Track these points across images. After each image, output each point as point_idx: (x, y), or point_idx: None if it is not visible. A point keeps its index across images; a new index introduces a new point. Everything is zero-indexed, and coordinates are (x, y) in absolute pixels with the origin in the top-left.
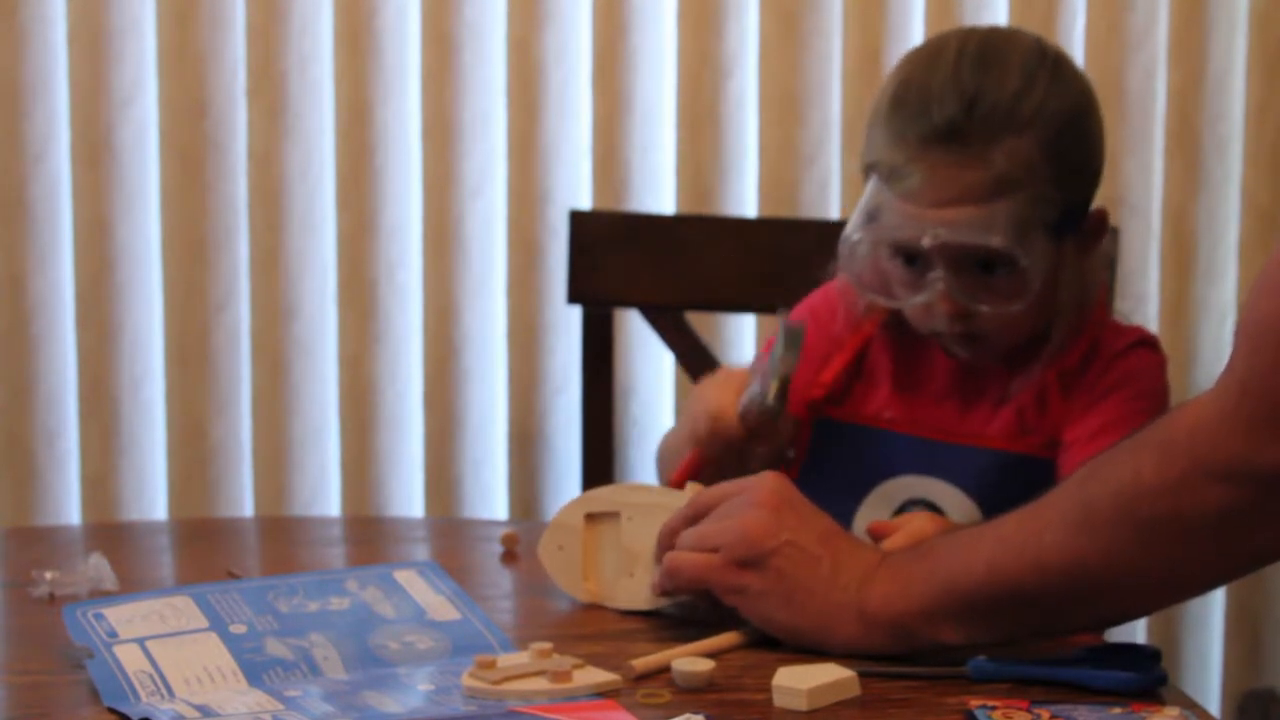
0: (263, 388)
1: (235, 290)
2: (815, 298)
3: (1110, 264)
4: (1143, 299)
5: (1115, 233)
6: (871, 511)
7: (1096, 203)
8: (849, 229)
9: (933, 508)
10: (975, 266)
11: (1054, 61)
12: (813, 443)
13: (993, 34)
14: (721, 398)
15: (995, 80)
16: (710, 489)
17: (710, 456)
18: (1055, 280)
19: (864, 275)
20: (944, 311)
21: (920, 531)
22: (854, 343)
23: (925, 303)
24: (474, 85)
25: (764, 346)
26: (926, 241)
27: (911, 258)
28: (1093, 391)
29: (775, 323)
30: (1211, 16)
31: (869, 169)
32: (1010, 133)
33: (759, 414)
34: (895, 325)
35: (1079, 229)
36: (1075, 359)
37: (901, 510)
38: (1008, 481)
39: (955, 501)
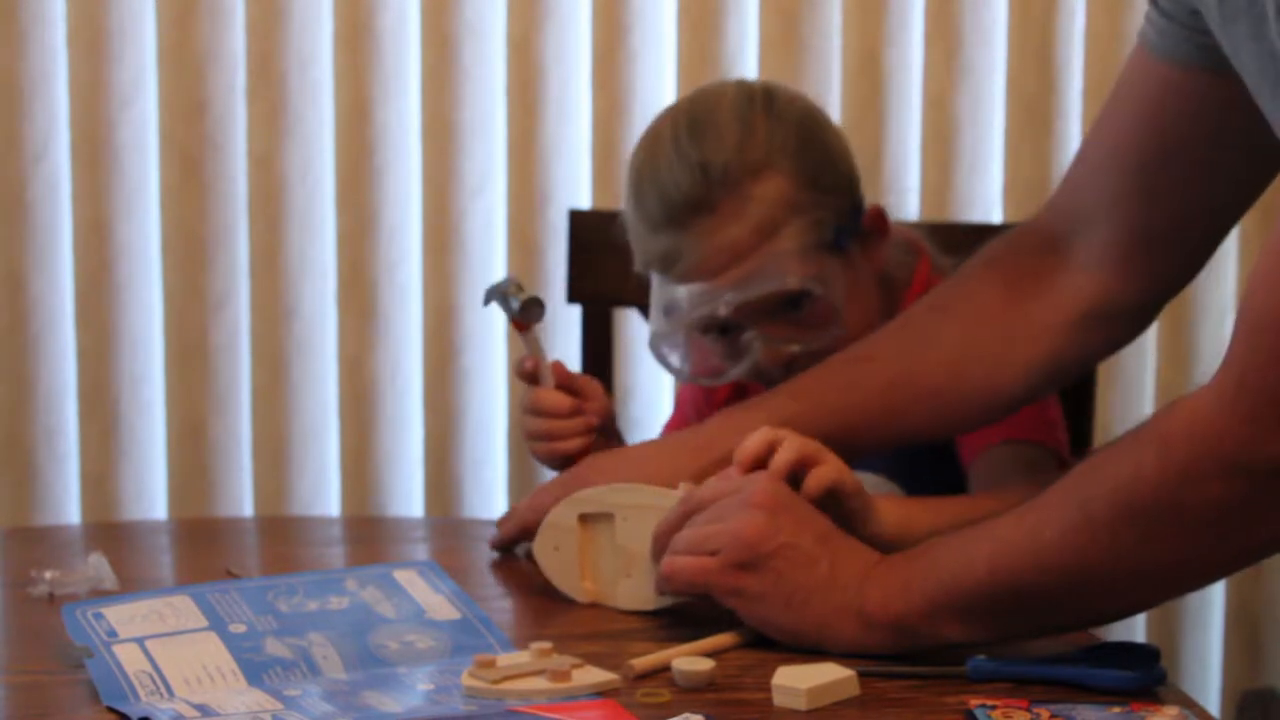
0: (262, 387)
1: (235, 290)
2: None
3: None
4: None
5: (882, 213)
6: None
7: None
8: (652, 332)
9: None
10: (780, 311)
11: (763, 97)
12: None
13: (698, 97)
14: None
15: (715, 140)
16: (703, 488)
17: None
18: (854, 288)
19: (687, 365)
20: (772, 365)
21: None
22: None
23: (752, 365)
24: (474, 85)
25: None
26: (723, 310)
27: (722, 329)
28: None
29: None
30: None
31: (644, 270)
32: (751, 181)
33: (512, 317)
34: (739, 386)
35: (857, 235)
36: None
37: None
38: (917, 457)
39: (874, 486)
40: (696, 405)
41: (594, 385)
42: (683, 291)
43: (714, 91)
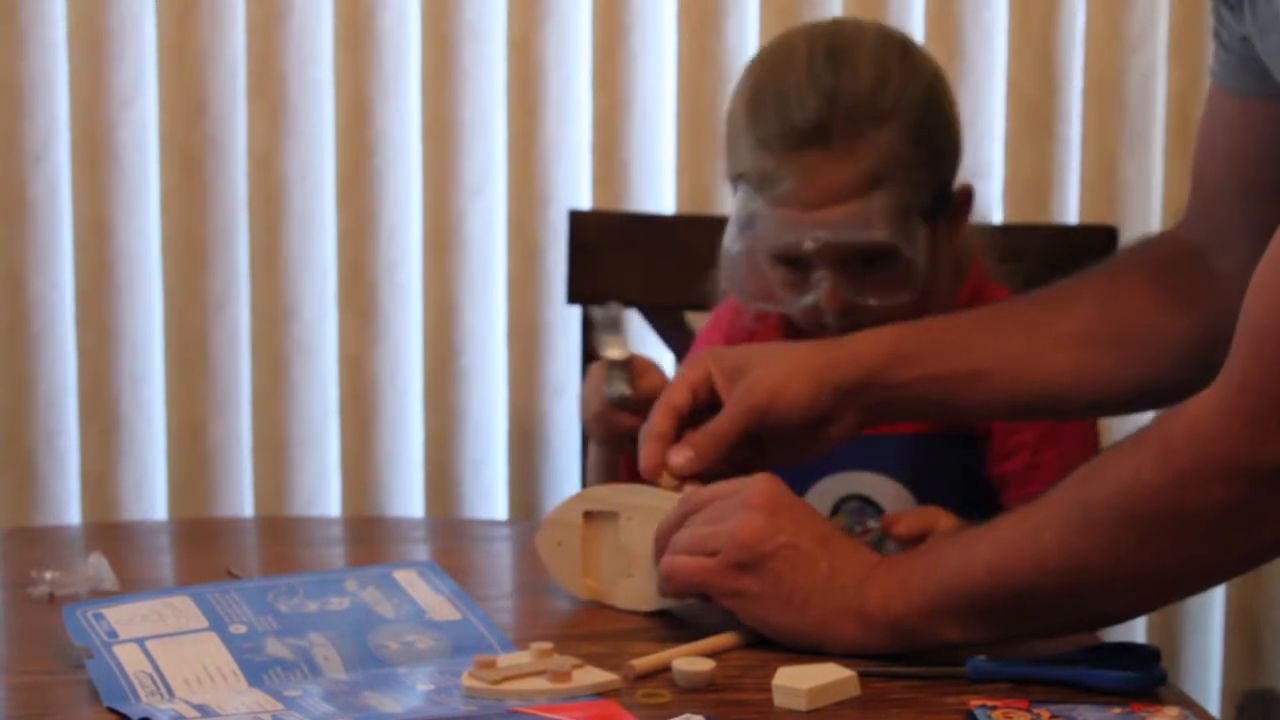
0: (263, 388)
1: (235, 290)
2: (722, 310)
3: (981, 231)
4: None
5: (970, 194)
6: None
7: (1105, 200)
8: (726, 241)
9: (867, 501)
10: (858, 262)
11: (902, 48)
12: None
13: (838, 27)
14: (593, 400)
15: (850, 74)
16: (702, 489)
17: (627, 450)
18: (934, 261)
19: (747, 285)
20: (831, 309)
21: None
22: None
23: (813, 304)
24: (474, 85)
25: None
26: (808, 245)
27: (793, 261)
28: None
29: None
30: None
31: (737, 179)
32: (873, 126)
33: (618, 404)
34: (790, 330)
35: (948, 208)
36: None
37: (838, 508)
38: (932, 462)
39: (887, 490)
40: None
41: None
42: (770, 212)
43: (854, 26)
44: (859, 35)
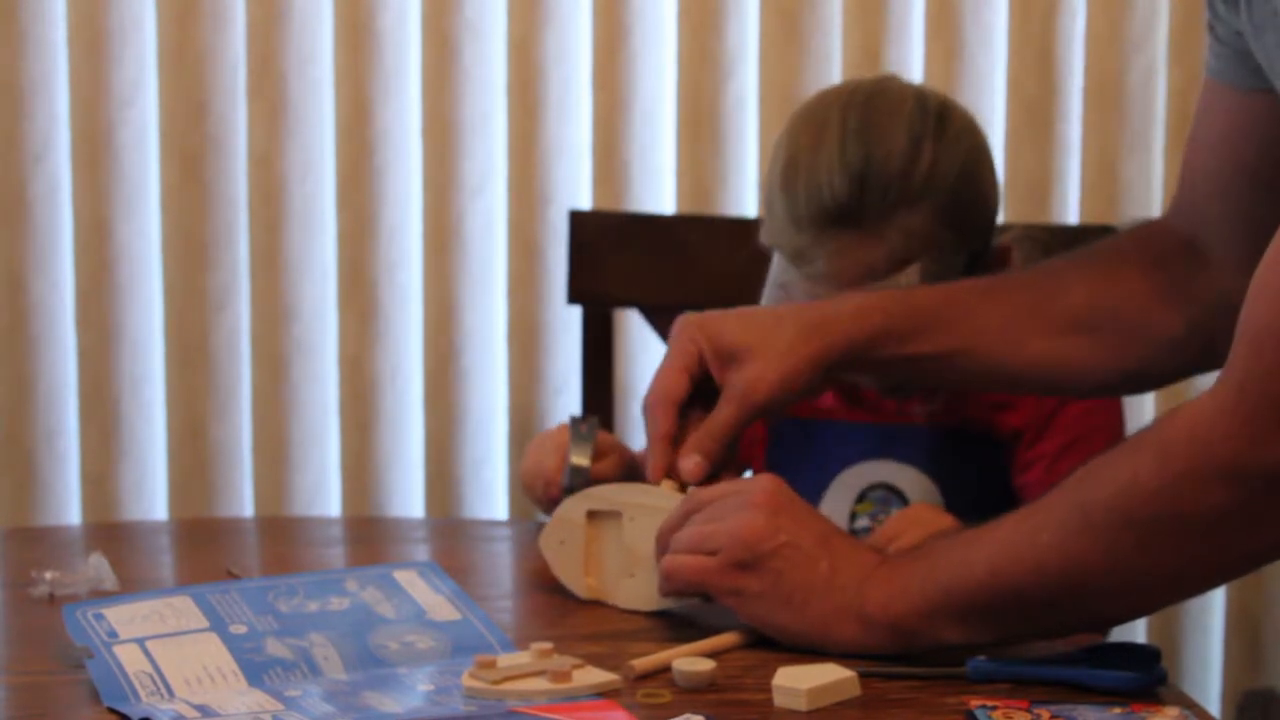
0: (263, 388)
1: (235, 290)
2: None
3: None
4: None
5: (1009, 253)
6: (835, 502)
7: (1105, 200)
8: (765, 300)
9: (893, 490)
10: None
11: (938, 116)
12: (769, 444)
13: (877, 91)
14: (546, 462)
15: (883, 155)
16: (705, 489)
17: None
18: None
19: None
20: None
21: (918, 518)
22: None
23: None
24: (474, 85)
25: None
26: None
27: None
28: None
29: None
30: None
31: (769, 245)
32: (904, 206)
33: (565, 493)
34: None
35: (986, 268)
36: None
37: (864, 496)
38: (956, 454)
39: (913, 481)
40: None
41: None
42: (803, 285)
43: (893, 94)
44: (895, 105)
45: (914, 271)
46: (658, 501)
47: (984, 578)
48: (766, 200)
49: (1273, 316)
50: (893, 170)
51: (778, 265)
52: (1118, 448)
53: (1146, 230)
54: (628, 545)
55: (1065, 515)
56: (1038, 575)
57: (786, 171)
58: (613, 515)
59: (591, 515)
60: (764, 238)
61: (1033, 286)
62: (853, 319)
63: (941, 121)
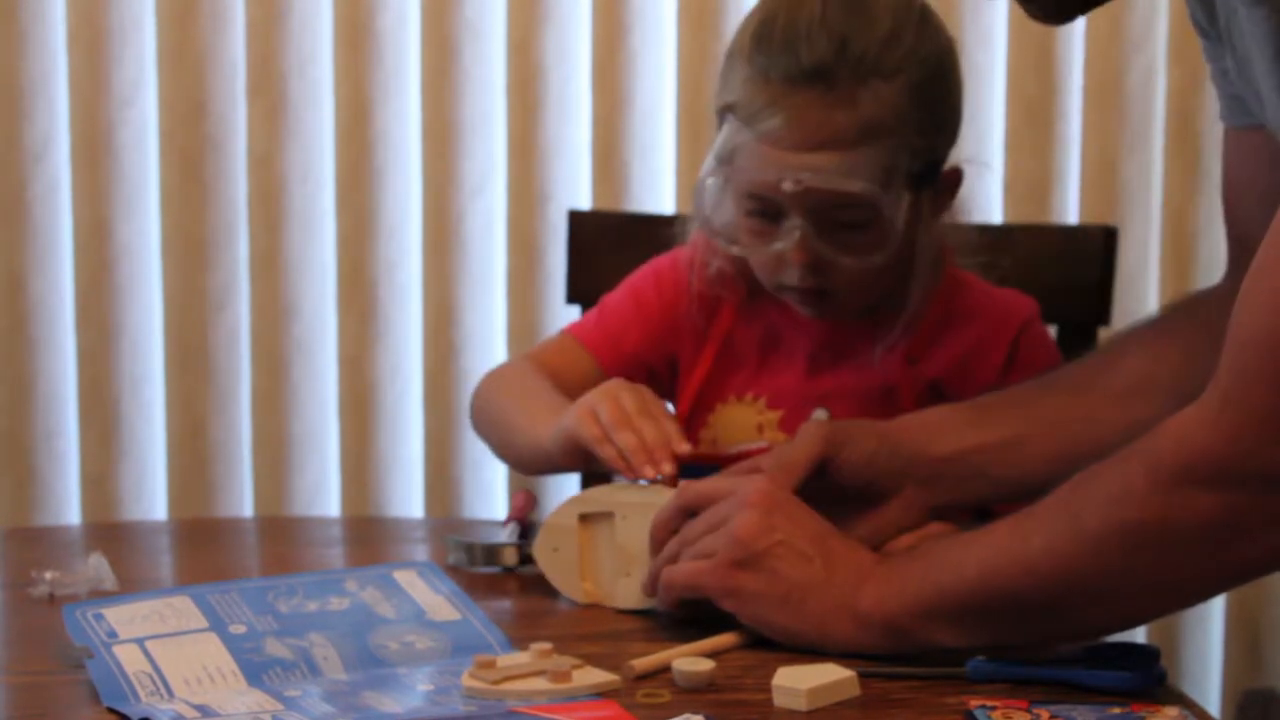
0: (263, 388)
1: (235, 290)
2: (663, 262)
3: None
4: (1143, 299)
5: (959, 176)
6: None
7: (1105, 200)
8: (703, 172)
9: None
10: (834, 215)
11: (920, 10)
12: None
13: None
14: (647, 432)
15: (865, 23)
16: (699, 483)
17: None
18: (911, 238)
19: (715, 223)
20: (798, 262)
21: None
22: (717, 334)
23: (780, 251)
24: (474, 85)
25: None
26: (788, 186)
27: (766, 209)
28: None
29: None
30: None
31: (725, 110)
32: (879, 77)
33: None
34: (749, 309)
35: (936, 183)
36: (938, 310)
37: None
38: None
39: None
40: (630, 333)
41: None
42: (754, 147)
43: None
44: None
45: (882, 148)
46: (650, 498)
47: (976, 579)
48: (726, 63)
49: (1257, 327)
50: (875, 39)
51: (727, 130)
52: (1111, 457)
53: (1200, 296)
54: (621, 545)
55: (1057, 520)
56: (1028, 579)
57: (760, 30)
58: (604, 517)
59: (584, 519)
60: (717, 101)
61: (1089, 365)
62: (919, 414)
63: (924, 14)
